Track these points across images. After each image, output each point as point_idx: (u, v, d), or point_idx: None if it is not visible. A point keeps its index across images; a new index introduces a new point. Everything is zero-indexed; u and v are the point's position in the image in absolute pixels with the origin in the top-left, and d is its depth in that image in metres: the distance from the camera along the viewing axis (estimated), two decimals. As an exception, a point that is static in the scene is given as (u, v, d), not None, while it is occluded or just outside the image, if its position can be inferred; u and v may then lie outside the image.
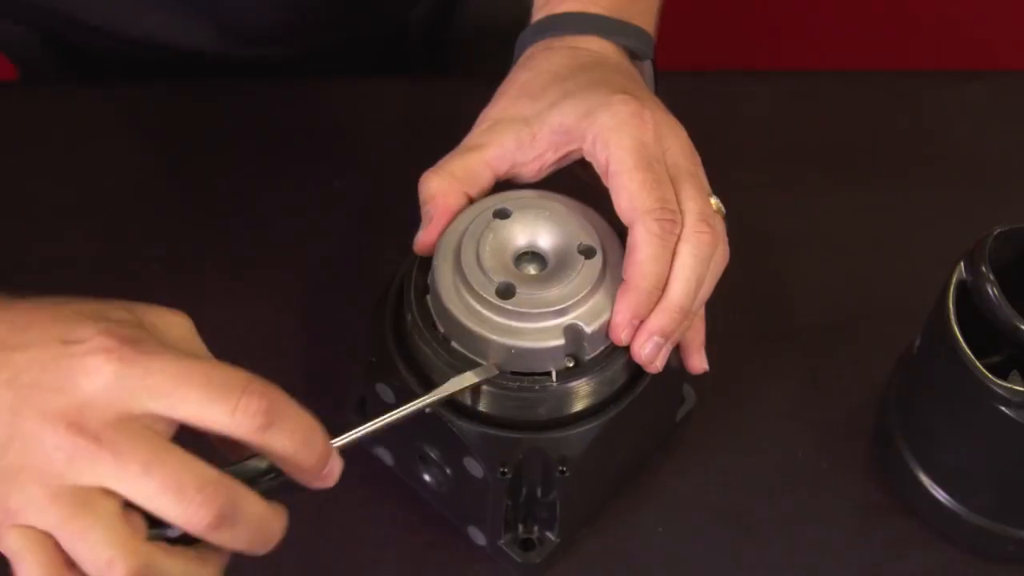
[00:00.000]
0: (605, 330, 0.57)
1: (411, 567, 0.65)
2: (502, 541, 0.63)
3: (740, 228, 0.74)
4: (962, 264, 0.60)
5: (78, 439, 0.45)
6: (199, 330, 0.73)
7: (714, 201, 0.60)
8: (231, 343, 0.72)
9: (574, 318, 0.56)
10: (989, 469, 0.63)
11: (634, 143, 0.57)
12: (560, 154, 0.60)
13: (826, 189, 0.80)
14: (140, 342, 0.48)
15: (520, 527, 0.63)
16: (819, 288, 0.75)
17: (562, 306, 0.55)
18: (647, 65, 0.67)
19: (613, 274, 0.57)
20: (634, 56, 0.66)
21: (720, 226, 0.59)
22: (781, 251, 0.77)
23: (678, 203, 0.57)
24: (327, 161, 0.80)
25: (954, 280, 0.60)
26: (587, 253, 0.57)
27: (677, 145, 0.59)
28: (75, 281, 0.74)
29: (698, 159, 0.60)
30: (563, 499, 0.60)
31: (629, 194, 0.57)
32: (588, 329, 0.56)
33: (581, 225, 0.58)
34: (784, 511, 0.67)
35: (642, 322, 0.57)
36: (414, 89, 0.86)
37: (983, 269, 0.59)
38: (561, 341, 0.56)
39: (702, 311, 0.62)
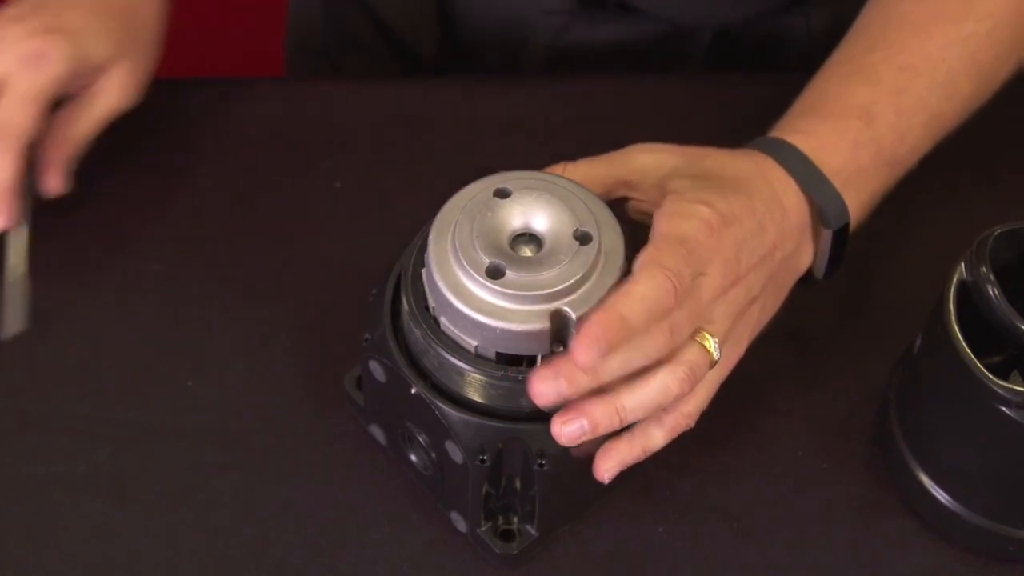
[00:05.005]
0: None
1: (393, 549, 0.65)
2: (481, 529, 0.63)
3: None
4: (962, 264, 0.60)
5: None
6: (202, 329, 0.73)
7: (712, 342, 0.58)
8: (231, 342, 0.72)
9: (562, 304, 0.55)
10: (989, 469, 0.63)
11: (687, 233, 0.57)
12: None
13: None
14: None
15: (501, 518, 0.63)
16: (819, 288, 0.75)
17: (551, 290, 0.55)
18: (827, 234, 0.64)
19: (607, 263, 0.57)
20: (822, 220, 0.63)
21: (698, 364, 0.57)
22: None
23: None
24: (327, 161, 0.80)
25: (954, 280, 0.60)
26: (583, 239, 0.56)
27: (720, 282, 0.58)
28: (75, 280, 0.75)
29: (731, 311, 0.60)
30: (542, 493, 0.61)
31: (657, 249, 0.56)
32: (575, 315, 0.55)
33: (581, 211, 0.57)
34: (784, 511, 0.67)
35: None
36: (414, 89, 0.86)
37: (983, 269, 0.59)
38: (546, 326, 0.55)
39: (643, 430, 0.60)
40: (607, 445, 0.60)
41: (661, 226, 0.58)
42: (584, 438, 0.57)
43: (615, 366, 0.56)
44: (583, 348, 0.53)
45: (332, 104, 0.84)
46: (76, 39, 0.70)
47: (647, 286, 0.55)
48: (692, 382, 0.57)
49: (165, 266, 0.75)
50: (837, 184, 0.63)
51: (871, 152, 0.65)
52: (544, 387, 0.55)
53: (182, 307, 0.74)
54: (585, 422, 0.56)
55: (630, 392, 0.57)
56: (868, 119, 0.65)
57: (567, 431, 0.56)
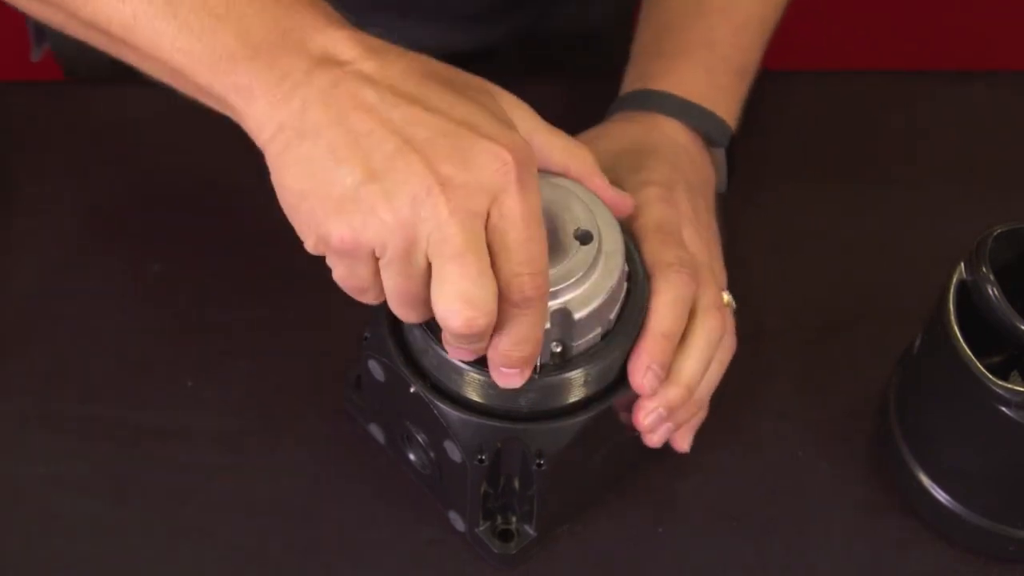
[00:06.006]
0: (594, 318, 0.56)
1: (393, 549, 0.65)
2: (480, 529, 0.63)
3: (740, 228, 0.74)
4: (962, 264, 0.60)
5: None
6: (202, 329, 0.73)
7: (726, 295, 0.64)
8: (231, 342, 0.72)
9: (563, 303, 0.55)
10: (989, 469, 0.63)
11: (659, 217, 0.62)
12: None
13: (826, 189, 0.80)
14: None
15: (499, 517, 0.64)
16: (818, 288, 0.75)
17: (551, 289, 0.55)
18: (720, 152, 0.70)
19: (607, 263, 0.57)
20: (710, 142, 0.69)
21: (729, 318, 0.63)
22: (781, 251, 0.77)
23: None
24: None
25: (954, 280, 0.60)
26: (583, 239, 0.56)
27: (698, 239, 0.63)
28: (74, 280, 0.75)
29: (717, 252, 0.65)
30: (540, 493, 0.61)
31: (650, 249, 0.60)
32: (577, 315, 0.55)
33: (581, 210, 0.57)
34: (784, 511, 0.67)
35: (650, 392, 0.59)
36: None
37: (983, 269, 0.59)
38: (548, 325, 0.55)
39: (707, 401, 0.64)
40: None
41: (639, 226, 0.62)
42: (665, 422, 0.60)
43: (695, 370, 0.60)
44: (639, 378, 0.58)
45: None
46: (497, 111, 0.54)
47: (668, 292, 0.59)
48: (725, 328, 0.62)
49: (165, 266, 0.75)
50: (709, 107, 0.69)
51: (722, 71, 0.71)
52: (650, 423, 0.60)
53: (182, 307, 0.74)
54: (662, 409, 0.60)
55: (686, 368, 0.61)
56: (710, 45, 0.72)
57: (649, 423, 0.60)
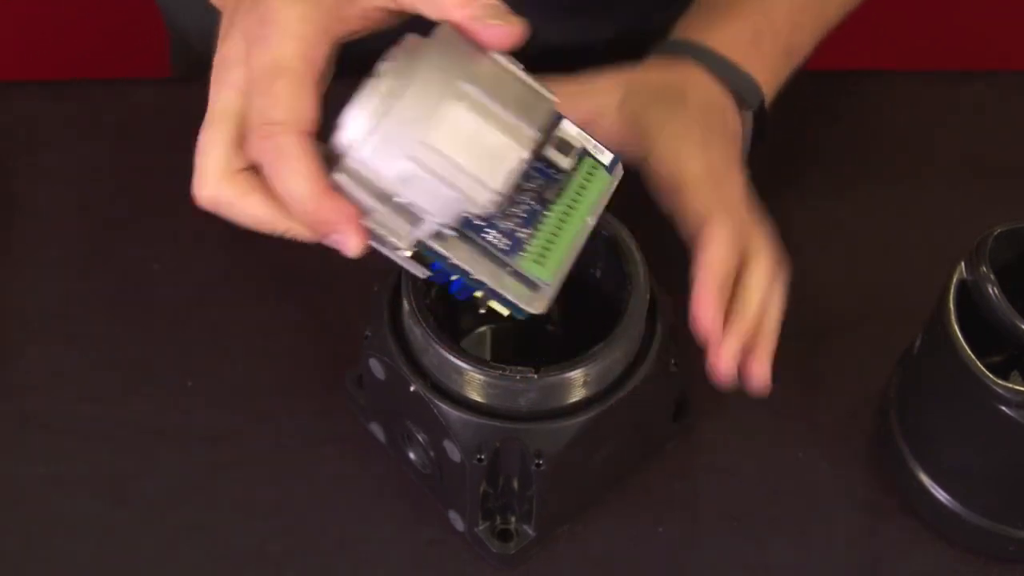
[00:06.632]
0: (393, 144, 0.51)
1: (393, 549, 0.65)
2: (479, 528, 0.63)
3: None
4: (962, 264, 0.60)
5: None
6: (202, 329, 0.73)
7: None
8: (231, 342, 0.72)
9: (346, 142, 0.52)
10: (989, 469, 0.63)
11: (704, 166, 0.64)
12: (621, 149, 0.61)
13: (826, 189, 0.80)
14: None
15: (498, 517, 0.64)
16: (819, 288, 0.75)
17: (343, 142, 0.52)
18: (748, 115, 0.70)
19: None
20: (739, 102, 0.70)
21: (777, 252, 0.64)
22: (784, 251, 0.77)
23: None
24: (327, 161, 0.80)
25: (954, 280, 0.60)
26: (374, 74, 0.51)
27: (738, 189, 0.65)
28: (74, 280, 0.75)
29: (752, 203, 0.65)
30: (540, 493, 0.61)
31: (700, 197, 0.62)
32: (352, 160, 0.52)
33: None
34: (784, 511, 0.67)
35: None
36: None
37: (983, 269, 0.59)
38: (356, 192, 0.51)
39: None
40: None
41: (684, 173, 0.64)
42: (737, 360, 0.61)
43: (758, 302, 0.62)
44: (707, 322, 0.59)
45: (332, 101, 0.84)
46: None
47: (723, 237, 0.61)
48: (779, 262, 0.64)
49: (165, 266, 0.75)
50: (744, 68, 0.69)
51: (770, 40, 0.72)
52: (727, 366, 0.60)
53: (182, 306, 0.74)
54: (736, 346, 0.60)
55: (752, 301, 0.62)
56: (765, 12, 0.72)
57: (726, 366, 0.60)
